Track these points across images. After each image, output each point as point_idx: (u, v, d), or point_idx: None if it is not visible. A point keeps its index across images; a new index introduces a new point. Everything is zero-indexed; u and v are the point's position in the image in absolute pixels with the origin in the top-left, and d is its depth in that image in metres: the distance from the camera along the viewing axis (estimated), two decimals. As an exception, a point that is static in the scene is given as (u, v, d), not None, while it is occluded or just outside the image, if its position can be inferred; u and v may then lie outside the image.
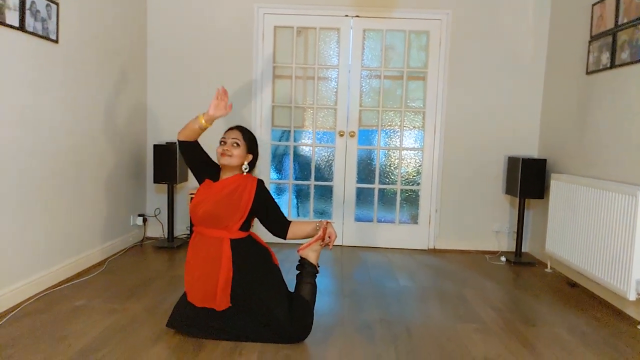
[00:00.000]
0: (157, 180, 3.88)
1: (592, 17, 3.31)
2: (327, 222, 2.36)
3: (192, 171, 2.42)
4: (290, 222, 2.39)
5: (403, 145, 4.25)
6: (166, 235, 4.14)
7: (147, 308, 2.61)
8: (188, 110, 4.19)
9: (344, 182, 4.26)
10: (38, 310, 2.53)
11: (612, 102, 3.05)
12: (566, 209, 3.31)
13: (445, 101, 4.14)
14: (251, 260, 2.28)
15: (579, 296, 3.10)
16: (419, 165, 4.26)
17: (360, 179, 4.29)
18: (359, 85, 4.19)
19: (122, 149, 3.79)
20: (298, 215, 4.42)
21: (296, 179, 4.34)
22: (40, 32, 2.72)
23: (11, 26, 2.49)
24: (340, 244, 4.25)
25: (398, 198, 4.28)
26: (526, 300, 2.97)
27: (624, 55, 2.92)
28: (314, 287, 2.37)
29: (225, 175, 2.35)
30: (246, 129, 2.39)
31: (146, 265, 3.42)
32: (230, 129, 2.38)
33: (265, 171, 4.26)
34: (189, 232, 4.22)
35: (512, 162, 3.90)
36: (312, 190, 4.32)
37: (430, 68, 4.14)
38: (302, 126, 4.29)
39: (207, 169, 2.38)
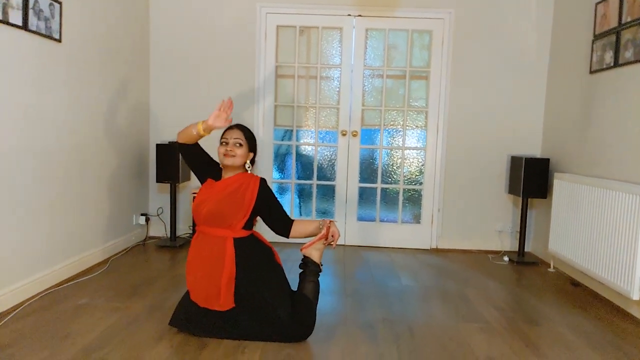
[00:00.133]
0: (159, 179, 3.88)
1: (595, 15, 3.30)
2: (331, 221, 2.36)
3: (193, 172, 2.42)
4: (293, 220, 2.39)
5: (405, 145, 4.25)
6: (169, 235, 4.14)
7: (150, 307, 2.62)
8: (190, 109, 4.19)
9: (347, 182, 4.26)
10: (41, 309, 2.54)
11: (615, 101, 3.04)
12: (569, 208, 3.30)
13: (448, 100, 4.13)
14: (254, 259, 2.28)
15: (582, 296, 3.09)
16: (422, 165, 4.25)
17: (362, 179, 4.29)
18: (362, 84, 4.19)
19: (125, 149, 3.79)
20: (300, 215, 4.42)
21: (298, 178, 4.34)
22: (43, 32, 2.73)
23: (14, 25, 2.50)
24: (343, 243, 4.25)
25: (400, 197, 4.27)
26: (529, 300, 2.96)
27: (627, 54, 2.91)
28: (316, 285, 2.37)
29: (227, 174, 2.35)
30: (245, 127, 2.39)
31: (149, 265, 3.42)
32: (230, 128, 2.36)
33: (267, 171, 4.26)
34: (191, 231, 4.22)
35: (515, 161, 3.89)
36: (314, 190, 4.31)
37: (432, 67, 4.14)
38: (305, 126, 4.29)
39: (208, 169, 2.38)
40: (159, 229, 4.26)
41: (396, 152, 4.28)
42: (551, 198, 3.66)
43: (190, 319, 2.26)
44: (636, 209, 2.60)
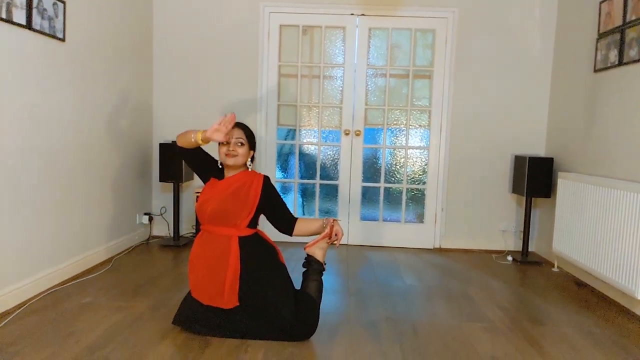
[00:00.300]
0: (162, 179, 3.89)
1: (599, 14, 3.29)
2: (334, 220, 2.36)
3: (195, 172, 2.42)
4: (296, 218, 2.39)
5: (409, 144, 4.24)
6: (172, 234, 4.15)
7: (153, 306, 2.62)
8: (193, 109, 4.20)
9: (350, 181, 4.25)
10: (45, 308, 2.54)
11: (620, 99, 3.03)
12: (573, 208, 3.28)
13: (451, 99, 4.12)
14: (258, 258, 2.28)
15: (586, 295, 3.08)
16: (425, 164, 4.24)
17: (365, 178, 4.28)
18: (365, 83, 4.18)
19: (128, 148, 3.80)
20: (303, 214, 4.42)
21: (301, 177, 4.34)
22: (47, 31, 2.73)
23: (18, 24, 2.50)
24: (346, 243, 4.25)
25: (404, 197, 4.26)
26: (533, 300, 2.95)
27: (632, 53, 2.90)
28: (320, 284, 2.36)
29: (230, 173, 2.35)
30: (245, 125, 2.39)
31: (152, 264, 3.43)
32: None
33: (270, 170, 4.26)
34: (194, 230, 4.22)
35: (518, 160, 3.88)
36: (317, 189, 4.31)
37: (436, 66, 4.13)
38: (308, 125, 4.28)
39: (209, 169, 2.38)
40: (162, 229, 4.27)
41: (399, 151, 4.27)
42: (555, 197, 3.65)
43: (194, 318, 2.26)
44: (641, 208, 2.59)
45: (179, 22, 4.16)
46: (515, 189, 3.93)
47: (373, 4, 4.07)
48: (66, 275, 3.01)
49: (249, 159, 2.36)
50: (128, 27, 3.73)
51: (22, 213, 2.60)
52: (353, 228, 4.26)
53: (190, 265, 2.31)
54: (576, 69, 3.62)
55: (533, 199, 3.98)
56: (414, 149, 4.25)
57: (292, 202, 4.32)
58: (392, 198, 4.32)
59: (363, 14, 4.11)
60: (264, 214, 2.37)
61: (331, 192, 4.33)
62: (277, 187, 4.34)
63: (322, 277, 2.40)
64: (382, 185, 4.27)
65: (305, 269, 2.41)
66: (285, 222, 2.38)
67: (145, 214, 4.11)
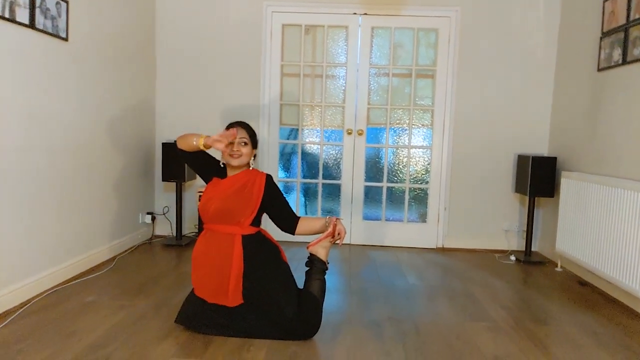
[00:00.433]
0: (165, 178, 3.89)
1: (603, 13, 3.28)
2: (337, 219, 2.35)
3: (197, 173, 2.42)
4: (299, 217, 2.39)
5: (412, 144, 4.23)
6: (174, 233, 4.15)
7: (156, 304, 2.62)
8: (196, 108, 4.20)
9: (352, 181, 4.25)
10: (48, 307, 2.54)
11: (624, 98, 3.02)
12: (577, 207, 3.27)
13: (454, 99, 4.11)
14: (261, 256, 2.28)
15: (590, 295, 3.06)
16: (428, 164, 4.23)
17: (368, 178, 4.28)
18: (367, 83, 4.17)
19: (131, 147, 3.80)
20: (306, 214, 4.41)
21: (304, 177, 4.34)
22: (50, 30, 2.74)
23: (21, 24, 2.51)
24: (349, 242, 4.24)
25: (406, 196, 4.26)
26: (536, 299, 2.94)
27: (636, 52, 2.89)
28: (323, 283, 2.36)
29: (232, 172, 2.35)
30: (247, 124, 2.38)
31: (155, 263, 3.43)
32: (232, 126, 2.35)
33: (273, 170, 4.26)
34: (197, 230, 4.23)
35: (521, 160, 3.87)
36: (320, 189, 4.31)
37: (439, 66, 4.12)
38: (310, 124, 4.28)
39: (211, 169, 2.37)
40: (165, 228, 4.27)
41: (402, 150, 4.26)
42: (558, 197, 3.63)
43: (196, 317, 2.26)
44: (645, 207, 2.58)
45: (182, 22, 4.17)
46: (519, 188, 3.92)
47: (375, 3, 4.07)
48: (69, 275, 3.01)
49: (252, 157, 2.36)
50: (130, 27, 3.73)
51: (25, 212, 2.61)
52: (355, 228, 4.26)
53: (194, 263, 2.31)
54: (579, 67, 3.60)
55: (536, 198, 3.97)
56: (416, 149, 4.24)
57: (295, 201, 4.32)
58: (395, 197, 4.31)
59: (365, 13, 4.10)
60: (266, 213, 2.37)
61: (334, 192, 4.33)
62: (280, 186, 4.33)
63: (325, 277, 2.40)
64: (384, 184, 4.26)
65: (308, 268, 2.41)
66: (288, 221, 2.38)
67: (148, 213, 4.11)
